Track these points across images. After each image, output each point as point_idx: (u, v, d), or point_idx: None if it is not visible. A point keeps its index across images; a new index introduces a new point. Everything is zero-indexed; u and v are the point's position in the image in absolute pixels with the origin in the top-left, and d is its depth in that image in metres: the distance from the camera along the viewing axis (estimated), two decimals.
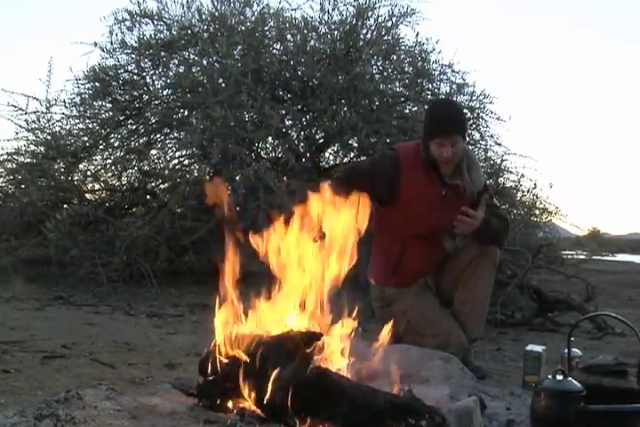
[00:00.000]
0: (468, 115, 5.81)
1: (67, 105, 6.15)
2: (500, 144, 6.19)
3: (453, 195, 2.74)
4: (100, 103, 6.23)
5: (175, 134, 6.22)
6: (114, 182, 6.33)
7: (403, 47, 6.21)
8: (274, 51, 6.11)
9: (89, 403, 1.73)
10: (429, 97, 6.01)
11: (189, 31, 6.10)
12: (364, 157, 6.14)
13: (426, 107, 4.76)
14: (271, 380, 1.70)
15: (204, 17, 6.11)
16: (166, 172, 6.01)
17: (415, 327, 2.81)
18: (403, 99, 6.08)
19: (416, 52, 6.14)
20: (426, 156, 2.72)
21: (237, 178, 5.51)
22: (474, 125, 6.05)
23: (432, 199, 2.74)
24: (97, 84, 6.08)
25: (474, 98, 6.00)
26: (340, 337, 1.89)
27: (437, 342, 2.71)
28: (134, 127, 6.22)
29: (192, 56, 6.19)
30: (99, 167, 6.27)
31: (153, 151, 6.28)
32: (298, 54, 5.84)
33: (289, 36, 6.04)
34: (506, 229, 2.90)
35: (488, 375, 2.75)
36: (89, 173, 6.21)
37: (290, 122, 6.10)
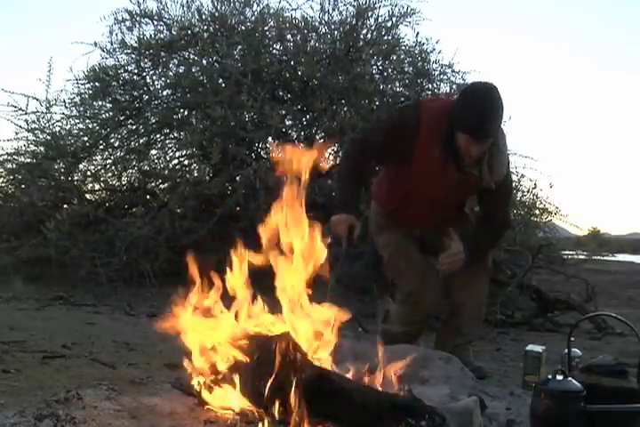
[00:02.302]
0: None
1: (67, 105, 6.15)
2: None
3: (467, 179, 2.57)
4: (99, 103, 6.22)
5: (175, 134, 6.22)
6: (114, 182, 6.32)
7: (403, 47, 6.21)
8: (274, 51, 6.11)
9: (89, 403, 1.73)
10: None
11: (189, 31, 6.10)
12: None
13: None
14: (271, 380, 1.70)
15: (204, 17, 6.11)
16: (166, 172, 6.01)
17: (394, 264, 2.83)
18: (403, 99, 6.07)
19: (416, 52, 6.14)
20: (448, 138, 2.48)
21: (237, 178, 5.51)
22: None
23: (443, 180, 2.57)
24: (97, 84, 6.08)
25: None
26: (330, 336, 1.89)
27: (409, 289, 2.77)
28: (134, 127, 6.21)
29: (192, 56, 6.19)
30: (99, 167, 6.26)
31: (153, 151, 6.27)
32: (298, 54, 5.84)
33: (289, 36, 6.04)
34: (500, 236, 2.90)
35: (488, 376, 2.75)
36: (89, 173, 6.20)
37: (290, 122, 6.10)
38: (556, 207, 6.06)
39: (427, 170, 2.58)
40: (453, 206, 2.76)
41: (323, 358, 1.85)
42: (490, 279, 2.99)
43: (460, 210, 2.82)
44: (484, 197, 2.68)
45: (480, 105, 2.43)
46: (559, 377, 1.83)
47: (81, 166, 6.18)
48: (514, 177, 5.90)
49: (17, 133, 6.06)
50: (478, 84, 2.51)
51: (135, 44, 6.11)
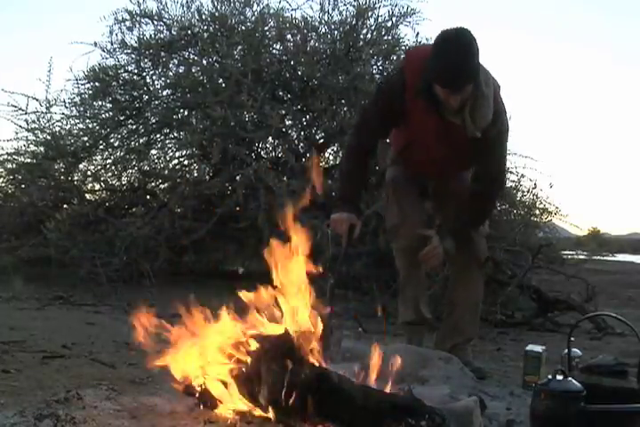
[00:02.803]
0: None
1: (67, 105, 6.15)
2: None
3: (454, 129, 2.50)
4: (99, 103, 6.22)
5: (175, 134, 6.22)
6: (114, 182, 6.32)
7: (403, 47, 6.21)
8: (274, 51, 6.12)
9: (89, 403, 1.74)
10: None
11: (189, 31, 6.10)
12: None
13: None
14: (271, 380, 1.70)
15: (204, 17, 6.11)
16: (166, 172, 6.02)
17: (386, 197, 2.95)
18: None
19: None
20: (427, 91, 2.42)
21: (237, 178, 5.51)
22: None
23: (431, 131, 2.55)
24: (97, 84, 6.08)
25: None
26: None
27: (390, 223, 2.88)
28: (134, 127, 6.21)
29: (192, 56, 6.19)
30: (99, 167, 6.26)
31: (153, 151, 6.28)
32: (298, 54, 5.84)
33: (289, 36, 6.04)
34: (492, 197, 2.80)
35: (488, 376, 2.75)
36: (89, 173, 6.21)
37: (290, 122, 6.10)
38: (556, 207, 6.06)
39: (418, 123, 2.58)
40: (454, 165, 2.72)
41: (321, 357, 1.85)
42: (485, 276, 2.98)
43: (463, 165, 2.77)
44: (474, 148, 2.57)
45: (450, 56, 2.33)
46: (559, 377, 1.83)
47: (81, 166, 6.19)
48: (514, 177, 5.91)
49: (17, 133, 6.08)
50: (447, 31, 2.37)
51: (135, 44, 6.12)
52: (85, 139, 6.13)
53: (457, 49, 2.34)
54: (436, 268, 2.71)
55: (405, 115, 2.58)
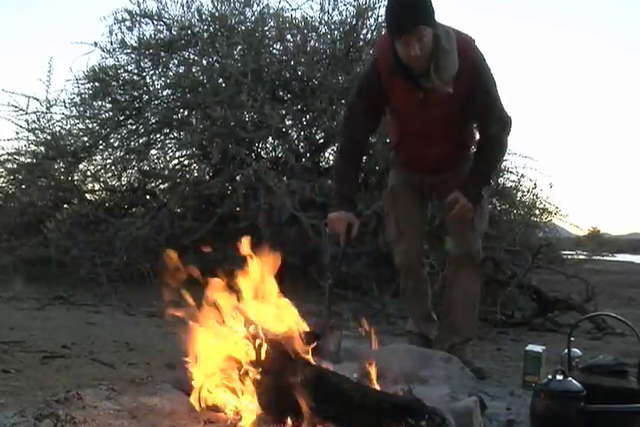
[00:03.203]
0: None
1: (67, 105, 6.16)
2: None
3: (433, 96, 2.49)
4: (99, 103, 6.23)
5: (175, 134, 6.23)
6: (114, 182, 6.33)
7: None
8: (274, 51, 6.12)
9: (89, 403, 1.73)
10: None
11: (189, 31, 6.10)
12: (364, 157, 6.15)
13: None
14: (271, 380, 1.70)
15: (204, 17, 6.11)
16: (166, 172, 6.02)
17: (385, 209, 2.95)
18: None
19: None
20: (395, 59, 2.45)
21: (237, 178, 5.51)
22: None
23: (412, 104, 2.54)
24: (97, 84, 6.09)
25: None
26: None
27: (388, 239, 2.93)
28: (134, 127, 6.22)
29: (192, 56, 6.19)
30: (99, 167, 6.27)
31: (153, 151, 6.28)
32: (298, 54, 5.85)
33: (289, 36, 6.04)
34: (500, 150, 2.74)
35: (488, 376, 2.75)
36: (89, 173, 6.21)
37: (290, 122, 6.11)
38: (556, 207, 6.06)
39: (400, 101, 2.58)
40: (446, 139, 2.67)
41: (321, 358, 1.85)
42: (483, 276, 2.98)
43: (459, 148, 2.78)
44: (462, 107, 2.53)
45: (394, 2, 2.39)
46: (559, 377, 1.83)
47: (81, 166, 6.20)
48: (514, 177, 5.91)
49: (17, 133, 6.09)
50: None
51: (135, 44, 6.13)
52: (85, 139, 6.13)
53: None
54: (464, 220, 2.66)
55: (388, 98, 2.58)
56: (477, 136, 2.80)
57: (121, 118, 6.11)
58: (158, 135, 6.26)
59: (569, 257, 6.66)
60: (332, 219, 2.60)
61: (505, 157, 5.87)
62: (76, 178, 6.13)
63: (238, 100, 5.43)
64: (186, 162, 6.29)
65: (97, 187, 6.35)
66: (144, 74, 6.27)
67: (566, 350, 2.23)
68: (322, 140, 6.21)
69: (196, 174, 5.99)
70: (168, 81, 6.17)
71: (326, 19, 6.06)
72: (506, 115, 2.65)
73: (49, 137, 6.05)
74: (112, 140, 6.16)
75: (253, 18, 6.12)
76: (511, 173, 5.93)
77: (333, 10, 6.03)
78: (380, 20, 6.02)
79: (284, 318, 1.88)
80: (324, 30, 6.10)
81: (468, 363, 2.60)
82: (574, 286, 5.17)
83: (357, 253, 5.24)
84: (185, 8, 6.12)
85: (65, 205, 5.91)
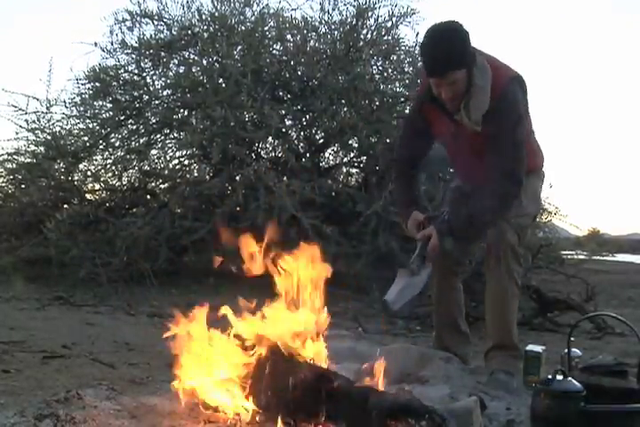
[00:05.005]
0: None
1: (67, 105, 6.17)
2: None
3: (464, 130, 2.47)
4: (100, 103, 6.24)
5: (175, 134, 6.23)
6: (114, 182, 6.33)
7: (403, 47, 6.22)
8: (274, 51, 6.13)
9: (89, 403, 1.73)
10: None
11: (189, 31, 6.11)
12: (364, 157, 6.16)
13: None
14: (271, 380, 1.70)
15: (204, 17, 6.12)
16: (166, 172, 6.02)
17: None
18: (403, 99, 6.08)
19: (416, 52, 6.14)
20: (429, 92, 2.46)
21: (237, 178, 5.51)
22: None
23: (447, 135, 2.56)
24: (97, 84, 6.09)
25: None
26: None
27: None
28: (134, 127, 6.22)
29: (192, 56, 6.20)
30: (99, 167, 6.27)
31: (153, 151, 6.28)
32: (298, 54, 5.85)
33: (289, 37, 6.05)
34: (503, 193, 2.41)
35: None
36: (89, 173, 6.22)
37: (290, 122, 6.11)
38: (556, 207, 6.07)
39: (437, 130, 2.61)
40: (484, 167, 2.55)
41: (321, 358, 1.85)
42: (518, 288, 2.59)
43: None
44: (487, 144, 2.44)
45: (427, 42, 2.41)
46: (559, 377, 1.83)
47: (81, 166, 6.20)
48: None
49: (17, 133, 6.09)
50: (435, 24, 2.43)
51: (135, 44, 6.13)
52: (85, 139, 6.14)
53: (436, 37, 2.39)
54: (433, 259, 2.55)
55: (430, 124, 2.61)
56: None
57: (121, 118, 6.11)
58: (158, 135, 6.27)
59: (569, 257, 6.67)
60: (408, 229, 2.60)
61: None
62: (76, 178, 6.14)
63: (238, 100, 5.43)
64: (186, 162, 6.30)
65: (97, 187, 6.35)
66: (144, 74, 6.28)
67: (566, 350, 2.23)
68: (322, 141, 6.21)
69: (196, 174, 5.99)
70: (168, 81, 6.17)
71: (326, 19, 6.08)
72: (515, 172, 2.40)
73: (49, 137, 6.06)
74: (112, 140, 6.17)
75: (253, 18, 6.12)
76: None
77: (333, 10, 6.05)
78: (380, 20, 6.04)
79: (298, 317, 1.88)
80: (324, 30, 6.12)
81: (494, 374, 2.42)
82: (574, 286, 5.17)
83: (357, 253, 5.25)
84: (185, 8, 6.14)
85: (65, 205, 5.91)
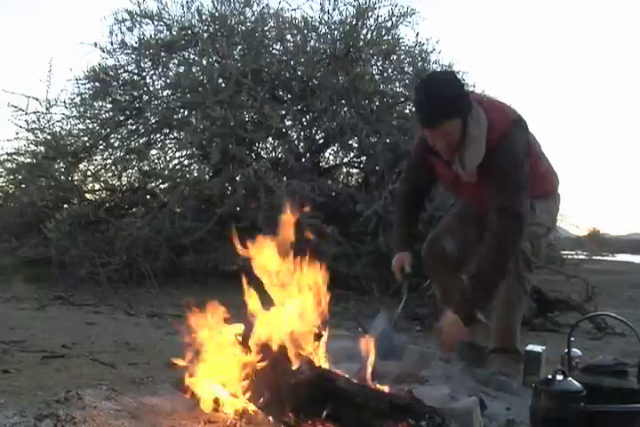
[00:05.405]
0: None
1: (67, 105, 6.16)
2: None
3: (462, 178, 2.50)
4: (100, 103, 6.24)
5: (175, 134, 6.23)
6: (114, 182, 6.33)
7: (403, 47, 6.22)
8: (274, 51, 6.13)
9: (89, 403, 1.73)
10: None
11: (189, 31, 6.11)
12: (364, 157, 6.16)
13: None
14: (271, 380, 1.70)
15: (204, 17, 6.12)
16: (166, 172, 6.02)
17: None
18: (403, 99, 6.09)
19: (416, 52, 6.16)
20: (426, 141, 2.48)
21: (237, 178, 5.51)
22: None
23: (447, 179, 2.63)
24: (97, 84, 6.09)
25: None
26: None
27: (431, 235, 2.80)
28: (134, 127, 6.22)
29: (192, 56, 6.20)
30: (99, 167, 6.28)
31: (153, 151, 6.29)
32: (298, 54, 5.85)
33: (289, 37, 6.05)
34: (506, 231, 2.32)
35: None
36: (89, 173, 6.22)
37: (290, 122, 6.11)
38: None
39: (441, 175, 2.66)
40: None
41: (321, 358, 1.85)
42: (527, 295, 2.59)
43: None
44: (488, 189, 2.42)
45: (419, 94, 2.42)
46: (559, 377, 1.83)
47: (81, 166, 6.20)
48: None
49: (17, 133, 6.08)
50: (428, 74, 2.51)
51: (135, 45, 6.14)
52: (85, 139, 6.14)
53: (428, 88, 2.41)
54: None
55: (432, 166, 2.64)
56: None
57: (121, 118, 6.11)
58: (158, 135, 6.27)
59: (569, 257, 6.66)
60: (394, 262, 2.73)
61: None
62: (76, 178, 6.14)
63: (238, 100, 5.43)
64: (186, 162, 6.30)
65: (97, 187, 6.36)
66: (144, 74, 6.28)
67: (566, 350, 2.23)
68: (322, 141, 6.21)
69: (196, 174, 5.99)
70: (168, 81, 6.18)
71: (326, 19, 6.08)
72: (518, 210, 2.33)
73: (49, 137, 6.06)
74: (112, 141, 6.17)
75: (253, 18, 6.12)
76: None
77: (333, 10, 6.05)
78: (380, 20, 6.04)
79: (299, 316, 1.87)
80: (324, 30, 6.11)
81: (494, 375, 2.40)
82: (574, 286, 5.17)
83: (357, 253, 5.25)
84: (185, 8, 6.14)
85: (65, 205, 5.91)
